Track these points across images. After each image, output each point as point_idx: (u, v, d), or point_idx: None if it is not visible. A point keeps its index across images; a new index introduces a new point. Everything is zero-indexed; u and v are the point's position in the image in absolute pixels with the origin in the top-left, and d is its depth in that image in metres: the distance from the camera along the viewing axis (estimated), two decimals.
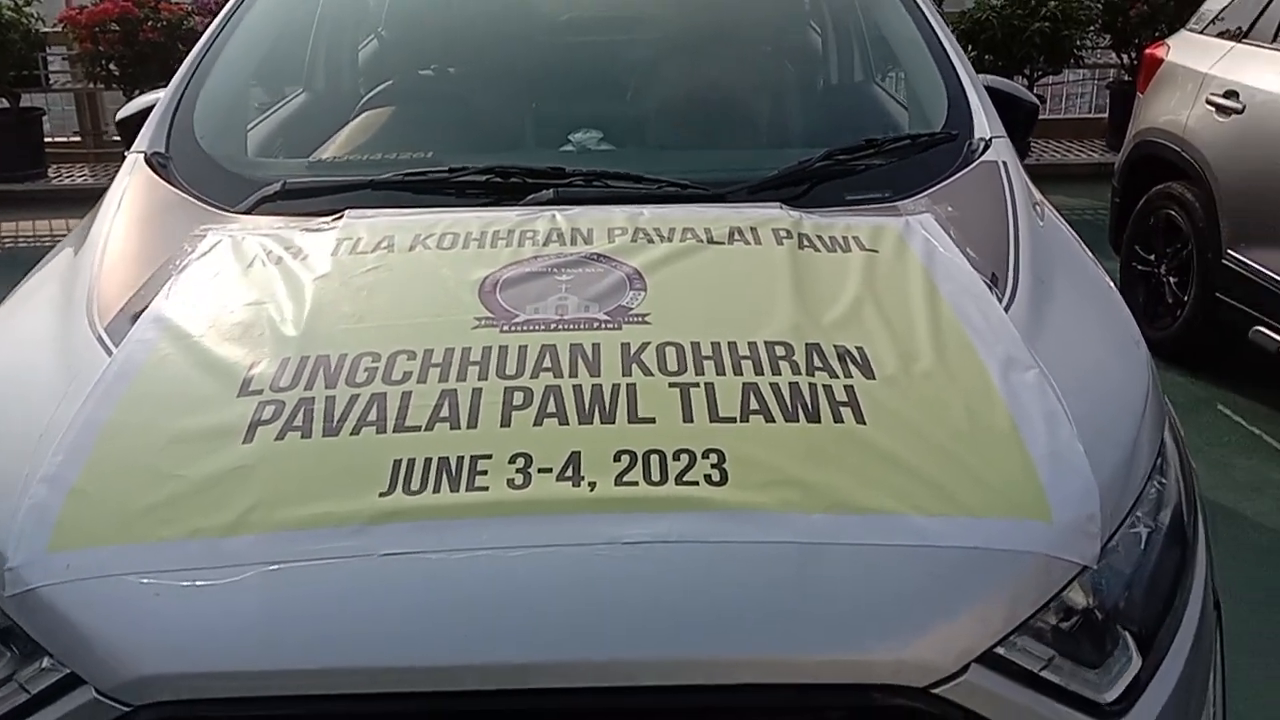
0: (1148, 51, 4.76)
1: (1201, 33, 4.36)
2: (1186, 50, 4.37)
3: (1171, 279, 4.24)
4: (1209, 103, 4.02)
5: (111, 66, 5.89)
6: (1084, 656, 1.19)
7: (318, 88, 2.69)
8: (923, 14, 2.32)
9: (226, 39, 2.31)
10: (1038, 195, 1.95)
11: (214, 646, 1.08)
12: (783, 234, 1.67)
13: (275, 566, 1.12)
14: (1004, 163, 1.94)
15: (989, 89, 2.28)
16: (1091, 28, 6.66)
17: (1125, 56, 6.91)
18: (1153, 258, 4.36)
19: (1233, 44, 4.11)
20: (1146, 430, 1.38)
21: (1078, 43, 6.53)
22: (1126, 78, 6.73)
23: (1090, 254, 1.82)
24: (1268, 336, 3.69)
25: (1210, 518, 3.14)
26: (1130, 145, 4.59)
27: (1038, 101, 2.36)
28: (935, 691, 1.08)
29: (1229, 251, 3.86)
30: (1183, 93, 4.21)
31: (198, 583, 1.12)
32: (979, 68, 6.66)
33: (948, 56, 2.21)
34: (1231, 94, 3.92)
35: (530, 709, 1.08)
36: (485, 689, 1.07)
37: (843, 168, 1.92)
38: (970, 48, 6.54)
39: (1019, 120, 2.28)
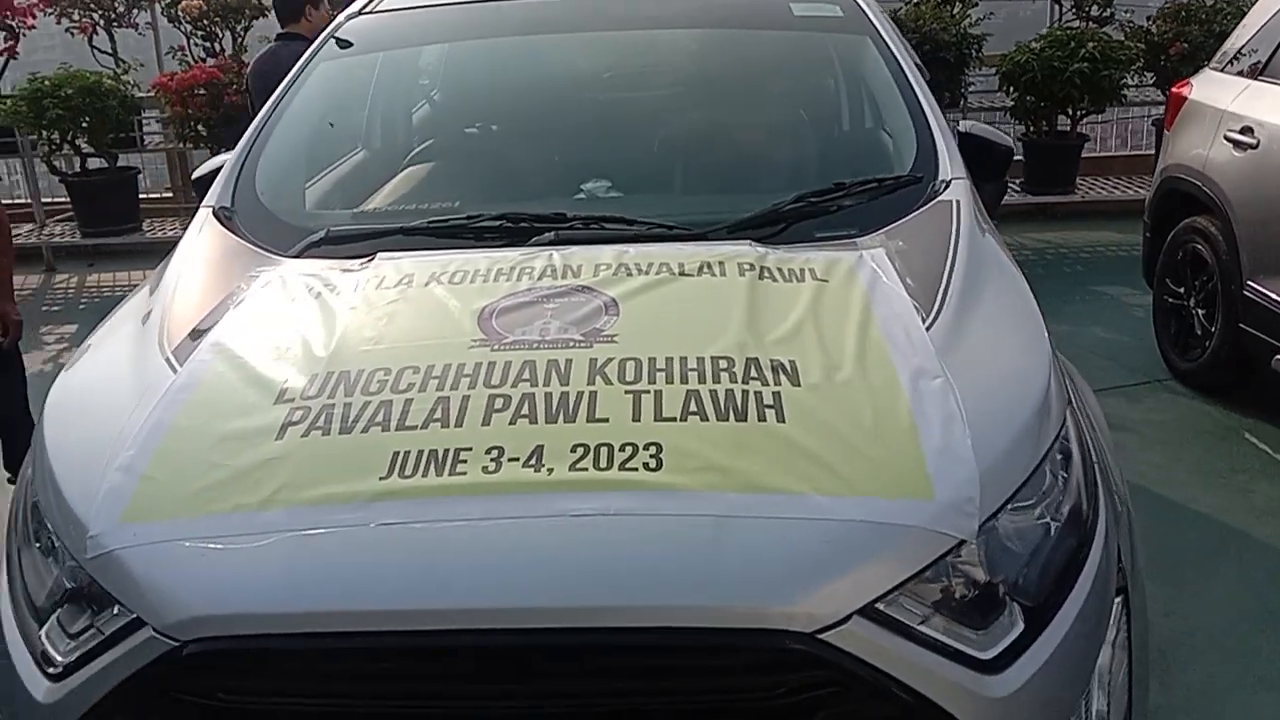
0: (1173, 90, 4.88)
1: (1222, 70, 4.48)
2: (1208, 88, 4.49)
3: (1200, 311, 4.34)
4: (1227, 139, 4.14)
5: (200, 128, 6.38)
6: (968, 619, 1.39)
7: (375, 147, 3.03)
8: (900, 66, 2.56)
9: (285, 107, 2.66)
10: (987, 225, 2.16)
11: (244, 593, 1.37)
12: (746, 267, 1.92)
13: (295, 533, 1.40)
14: (957, 201, 2.16)
15: (968, 134, 2.51)
16: (1134, 67, 6.75)
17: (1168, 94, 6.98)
18: (1182, 291, 4.46)
19: (1250, 81, 4.23)
20: (1038, 429, 1.58)
21: (1121, 82, 6.62)
22: None
23: (1022, 277, 2.02)
24: None
25: (1224, 540, 3.26)
26: (1158, 181, 4.72)
27: (1012, 145, 2.57)
28: (821, 637, 1.30)
29: (1249, 283, 3.96)
30: (1204, 129, 4.33)
31: (235, 546, 1.40)
32: (1020, 108, 6.80)
33: (920, 105, 2.44)
34: (1247, 130, 4.04)
35: (493, 645, 1.33)
36: (456, 628, 1.32)
37: (812, 208, 2.16)
38: (1012, 89, 6.70)
39: (995, 162, 2.50)
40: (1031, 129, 6.86)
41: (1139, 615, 1.69)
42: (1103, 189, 7.03)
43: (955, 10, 7.05)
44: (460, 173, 2.67)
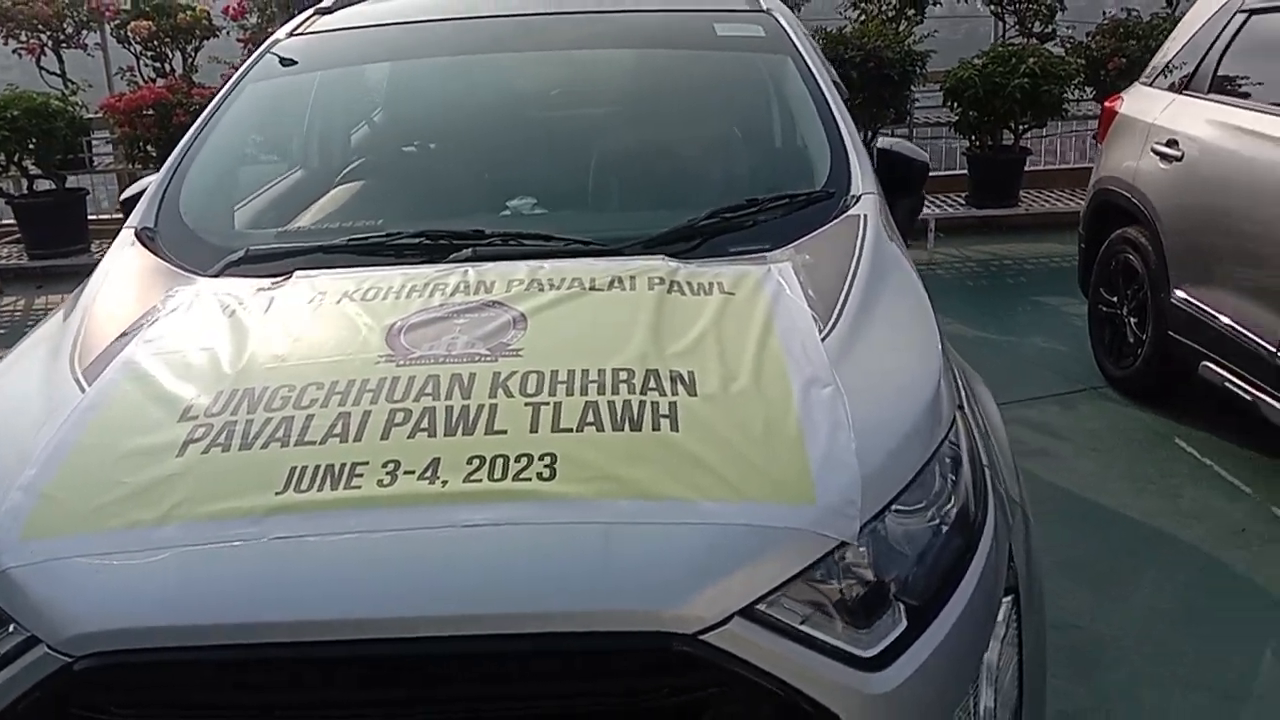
0: (1105, 104, 5.00)
1: (1151, 85, 4.60)
2: (1137, 102, 4.61)
3: (1132, 320, 4.44)
4: (1154, 151, 4.25)
5: (149, 148, 6.37)
6: (852, 618, 1.43)
7: (312, 166, 3.04)
8: (818, 85, 2.62)
9: (212, 129, 2.68)
10: (894, 237, 2.22)
11: (134, 608, 1.38)
12: (656, 281, 1.96)
13: (187, 548, 1.42)
14: (864, 215, 2.22)
15: (886, 151, 2.58)
16: (1075, 82, 6.89)
17: None
18: (1115, 300, 4.57)
19: (1175, 95, 4.35)
20: (924, 434, 1.63)
21: (1061, 96, 6.76)
22: None
23: (921, 288, 2.07)
24: (1214, 371, 3.88)
25: (1151, 544, 3.34)
26: (1091, 193, 4.82)
27: (928, 160, 2.64)
28: (703, 638, 1.33)
29: (1176, 291, 4.07)
30: (1133, 143, 4.44)
31: (128, 562, 1.42)
32: (964, 124, 6.93)
33: (836, 123, 2.51)
34: (1172, 142, 4.15)
35: (384, 655, 1.35)
36: (346, 638, 1.35)
37: (726, 223, 2.21)
38: (956, 104, 6.83)
39: (912, 176, 2.57)
40: (976, 144, 6.99)
41: (1032, 614, 1.73)
42: (1046, 202, 7.16)
43: (900, 28, 7.18)
44: (389, 191, 2.70)
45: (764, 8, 2.95)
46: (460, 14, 3.03)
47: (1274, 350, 3.50)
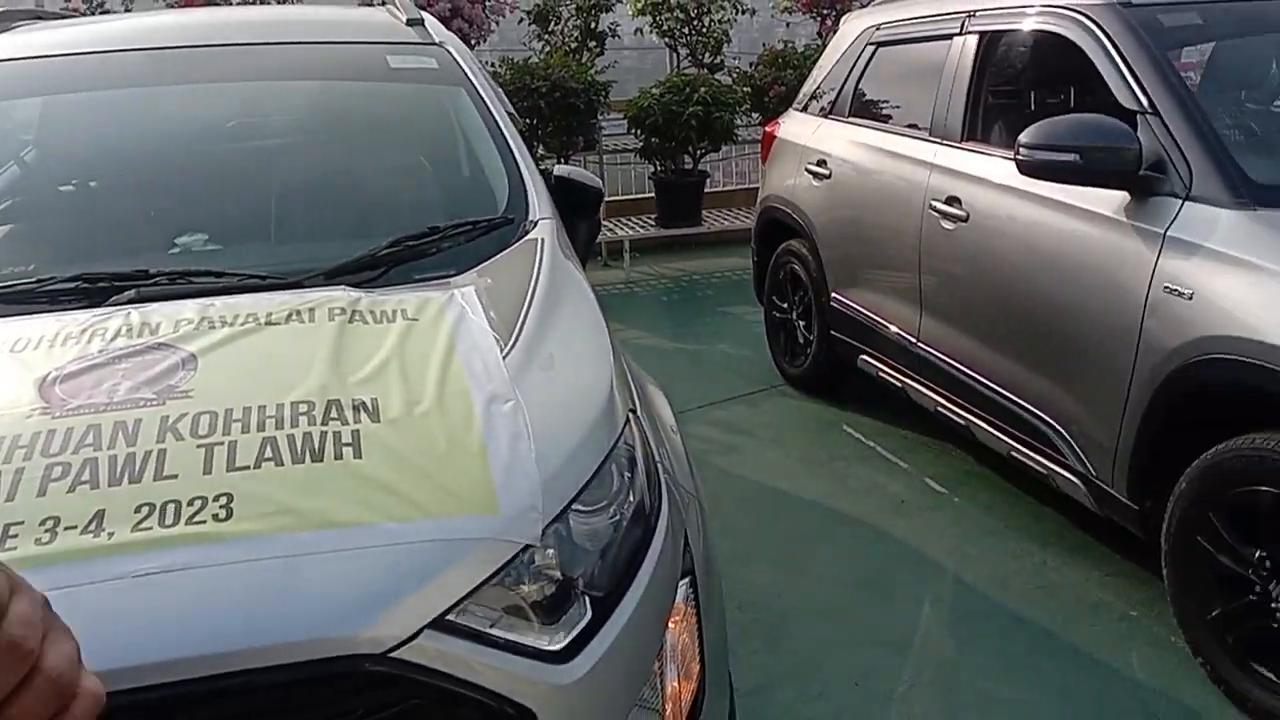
0: (765, 129, 5.48)
1: (804, 110, 5.10)
2: (792, 126, 5.09)
3: (801, 323, 4.90)
4: (808, 170, 4.72)
5: None
6: (540, 615, 1.52)
7: None
8: (492, 115, 2.73)
9: None
10: (570, 258, 2.36)
11: None
12: (336, 311, 1.97)
13: None
14: (542, 239, 2.34)
15: (563, 178, 2.71)
16: (742, 108, 7.49)
17: None
18: (786, 306, 5.02)
19: (822, 120, 4.85)
20: (600, 438, 1.75)
21: (731, 122, 7.32)
22: None
23: (595, 302, 2.22)
24: (869, 363, 4.36)
25: (826, 520, 3.67)
26: (759, 210, 5.27)
27: (601, 187, 2.81)
28: (393, 655, 1.37)
29: (834, 295, 4.54)
30: (790, 163, 4.91)
31: None
32: (648, 149, 7.32)
33: (511, 151, 2.62)
34: (822, 162, 4.63)
35: None
36: None
37: (409, 251, 2.25)
38: (639, 132, 7.22)
39: (588, 201, 2.72)
40: (660, 168, 7.42)
41: (710, 594, 1.90)
42: (726, 219, 7.71)
43: (583, 59, 7.49)
44: (43, 234, 2.52)
45: (437, 40, 3.02)
46: (120, 46, 2.87)
47: (913, 340, 3.99)
